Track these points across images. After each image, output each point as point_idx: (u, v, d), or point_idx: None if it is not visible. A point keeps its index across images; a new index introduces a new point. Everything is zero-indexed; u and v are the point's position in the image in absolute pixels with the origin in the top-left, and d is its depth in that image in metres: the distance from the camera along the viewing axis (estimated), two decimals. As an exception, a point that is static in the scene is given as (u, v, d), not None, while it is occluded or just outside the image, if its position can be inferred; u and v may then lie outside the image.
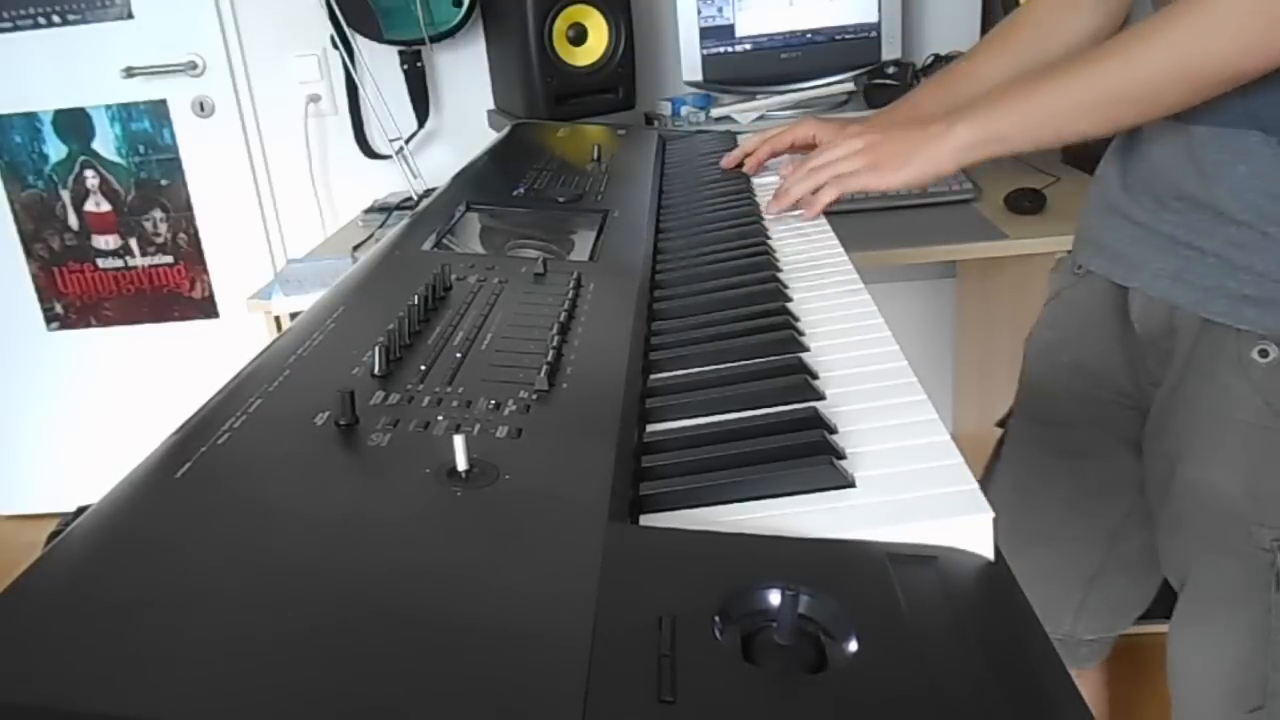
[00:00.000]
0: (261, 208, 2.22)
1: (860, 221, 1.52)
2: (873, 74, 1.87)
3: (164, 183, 2.22)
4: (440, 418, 0.51)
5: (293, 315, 1.41)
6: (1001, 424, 1.06)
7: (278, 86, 2.13)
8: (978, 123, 0.86)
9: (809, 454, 0.50)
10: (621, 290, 0.74)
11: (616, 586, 0.38)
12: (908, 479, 0.49)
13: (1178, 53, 0.72)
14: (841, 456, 0.51)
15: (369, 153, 2.12)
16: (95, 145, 2.19)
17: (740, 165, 1.19)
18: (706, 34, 1.87)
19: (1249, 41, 0.69)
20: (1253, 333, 0.77)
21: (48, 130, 2.18)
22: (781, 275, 0.81)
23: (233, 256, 2.26)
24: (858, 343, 0.66)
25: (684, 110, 1.93)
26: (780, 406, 0.57)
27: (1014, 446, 1.04)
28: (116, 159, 2.20)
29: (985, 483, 1.06)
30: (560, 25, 1.70)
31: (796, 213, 0.98)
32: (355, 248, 1.70)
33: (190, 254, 2.27)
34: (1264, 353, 0.77)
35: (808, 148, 1.13)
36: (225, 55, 2.11)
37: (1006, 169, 1.66)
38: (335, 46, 1.97)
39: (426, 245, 0.83)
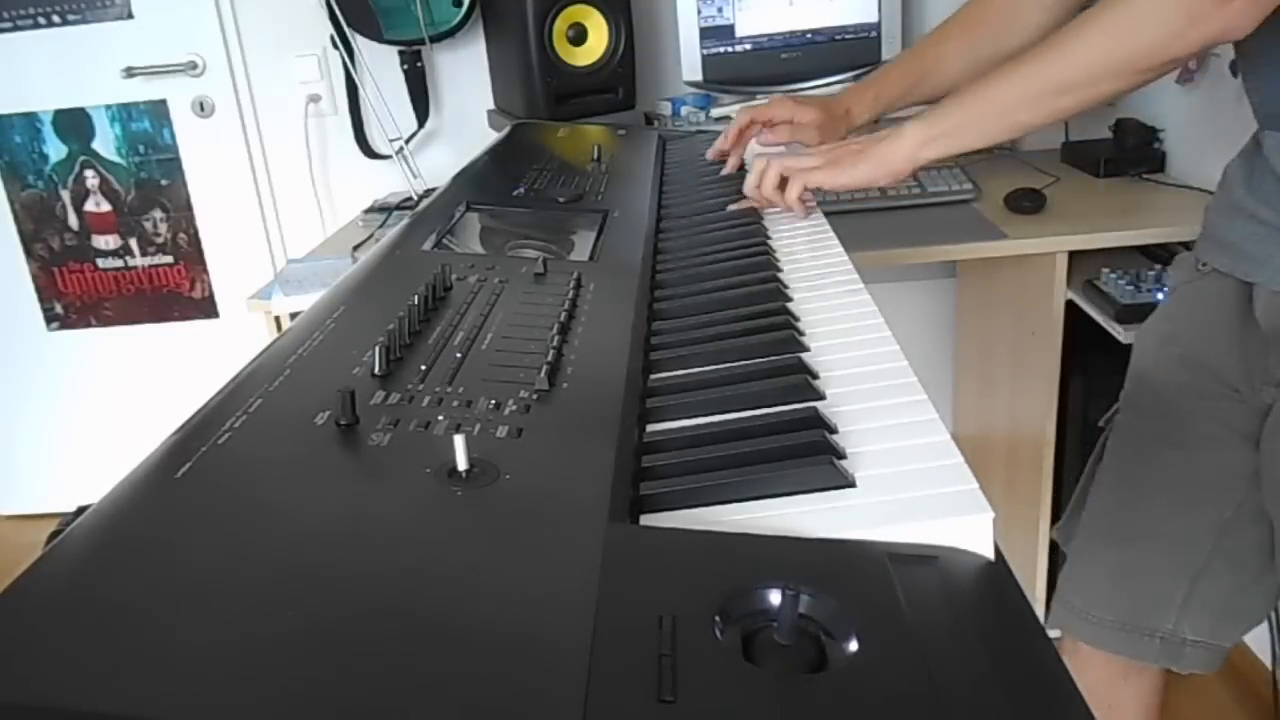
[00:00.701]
0: (261, 208, 2.22)
1: (860, 221, 1.52)
2: (873, 74, 1.87)
3: (164, 183, 2.22)
4: (440, 418, 0.51)
5: (293, 315, 1.41)
6: (1105, 423, 1.06)
7: (278, 86, 2.13)
8: (927, 122, 0.91)
9: (809, 454, 0.50)
10: (621, 290, 0.74)
11: (616, 586, 0.38)
12: (908, 479, 0.49)
13: (1109, 42, 0.79)
14: (842, 456, 0.51)
15: (369, 153, 2.12)
16: (95, 145, 2.19)
17: (724, 159, 1.20)
18: (706, 34, 1.87)
19: (1170, 29, 0.76)
20: None
21: (48, 130, 2.18)
22: (781, 275, 0.81)
23: (233, 256, 2.26)
24: (858, 343, 0.66)
25: (684, 110, 1.93)
26: (780, 406, 0.57)
27: (1119, 439, 1.03)
28: (116, 159, 2.20)
29: (1089, 479, 1.06)
30: (560, 25, 1.70)
31: (801, 217, 0.99)
32: (355, 248, 1.70)
33: (190, 254, 2.27)
34: None
35: (786, 125, 1.17)
36: (225, 55, 2.10)
37: (1006, 169, 1.66)
38: (335, 46, 1.97)
39: (426, 245, 0.83)
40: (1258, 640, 1.47)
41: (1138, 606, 1.02)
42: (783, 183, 0.98)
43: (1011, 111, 0.87)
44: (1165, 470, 0.99)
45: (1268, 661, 1.23)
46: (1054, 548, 1.57)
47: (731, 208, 1.02)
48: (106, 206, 2.23)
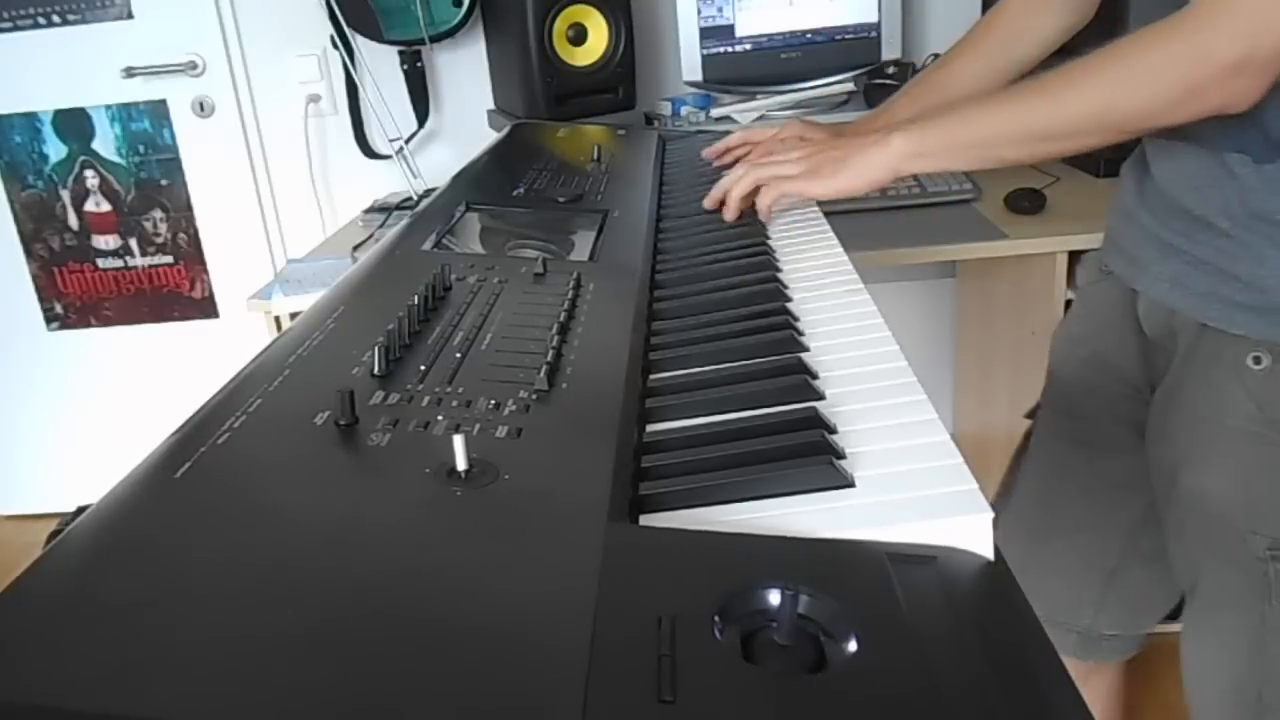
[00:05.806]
0: (261, 208, 2.22)
1: (860, 221, 1.51)
2: (873, 74, 1.87)
3: (164, 183, 2.22)
4: (440, 418, 0.51)
5: (293, 315, 1.41)
6: (1030, 415, 1.07)
7: (278, 86, 2.13)
8: (913, 136, 0.88)
9: (809, 454, 0.50)
10: (621, 290, 0.74)
11: (616, 586, 0.38)
12: (907, 479, 0.49)
13: (1100, 101, 0.76)
14: (841, 456, 0.51)
15: (369, 153, 2.12)
16: (95, 145, 2.19)
17: (722, 159, 1.19)
18: (706, 34, 1.87)
19: (1167, 99, 0.73)
20: (1247, 339, 0.78)
21: (48, 130, 2.18)
22: (781, 275, 0.81)
23: (233, 256, 2.26)
24: (858, 343, 0.66)
25: (684, 110, 1.93)
26: (780, 406, 0.57)
27: (1040, 438, 1.05)
28: (116, 159, 2.20)
29: (1013, 473, 1.06)
30: (560, 25, 1.70)
31: (790, 210, 0.99)
32: (355, 248, 1.70)
33: (190, 254, 2.27)
34: (1257, 359, 0.78)
35: None
36: (225, 55, 2.10)
37: (1006, 169, 1.66)
38: (335, 46, 1.97)
39: (426, 245, 0.83)
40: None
41: (1057, 603, 1.03)
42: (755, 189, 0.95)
43: (993, 146, 0.84)
44: (1078, 470, 1.00)
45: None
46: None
47: (705, 203, 0.99)
48: (106, 206, 2.23)
